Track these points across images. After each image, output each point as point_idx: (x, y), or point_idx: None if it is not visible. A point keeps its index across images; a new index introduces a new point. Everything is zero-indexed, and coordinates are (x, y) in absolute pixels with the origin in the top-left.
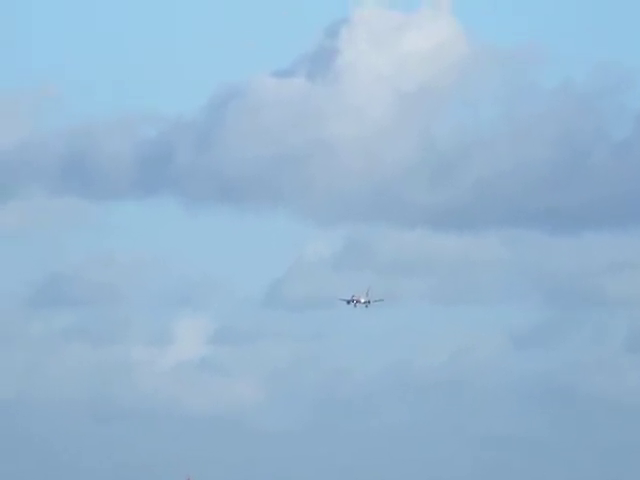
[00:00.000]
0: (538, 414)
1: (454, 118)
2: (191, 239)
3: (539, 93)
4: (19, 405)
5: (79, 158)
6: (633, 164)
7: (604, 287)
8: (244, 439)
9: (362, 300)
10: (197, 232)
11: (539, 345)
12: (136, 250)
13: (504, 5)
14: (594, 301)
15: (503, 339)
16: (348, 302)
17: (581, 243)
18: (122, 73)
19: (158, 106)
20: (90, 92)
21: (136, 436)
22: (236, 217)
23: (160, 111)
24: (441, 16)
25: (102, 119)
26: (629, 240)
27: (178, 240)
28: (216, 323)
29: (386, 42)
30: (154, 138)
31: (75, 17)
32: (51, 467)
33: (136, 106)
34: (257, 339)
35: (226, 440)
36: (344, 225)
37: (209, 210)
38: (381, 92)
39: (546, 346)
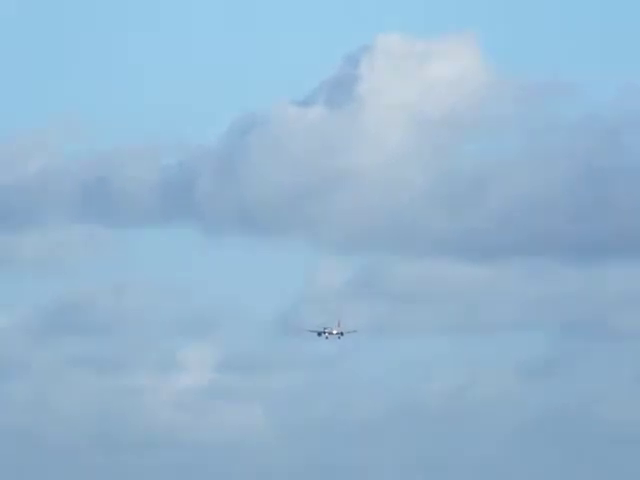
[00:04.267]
0: (548, 447)
1: (476, 148)
2: (207, 267)
3: (562, 124)
4: (27, 432)
5: (101, 186)
6: None
7: (620, 319)
8: (251, 467)
9: (334, 332)
10: (214, 260)
11: (549, 377)
12: (151, 277)
13: (528, 35)
14: (607, 334)
15: (514, 371)
16: (319, 334)
17: (599, 275)
18: (144, 102)
19: (179, 134)
20: (112, 120)
21: (143, 463)
22: (253, 245)
23: (181, 139)
24: (464, 44)
25: (124, 147)
26: None
27: (194, 268)
28: (226, 350)
29: (408, 70)
30: (175, 166)
31: (99, 47)
32: None
33: (157, 134)
34: (267, 367)
35: (233, 468)
36: (360, 254)
37: (227, 238)
38: (402, 121)
39: (556, 379)
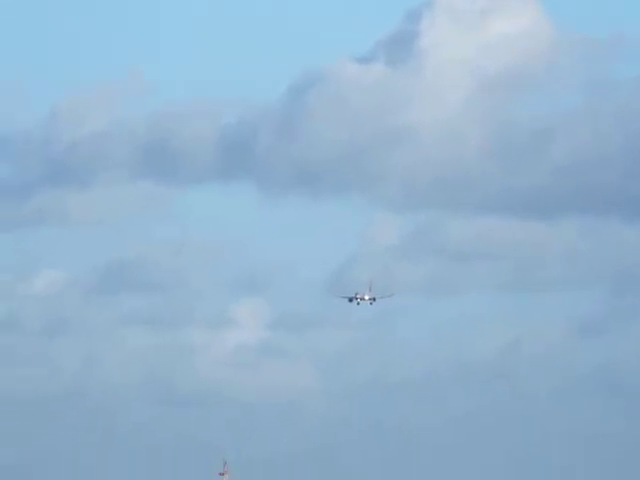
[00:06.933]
0: (599, 403)
1: (535, 104)
2: (264, 225)
3: (622, 80)
4: (80, 387)
5: (161, 144)
6: None
7: None
8: (302, 423)
9: (366, 297)
10: (271, 218)
11: (602, 334)
12: (208, 235)
13: None
14: None
15: (567, 328)
16: (350, 300)
17: None
18: (205, 60)
19: (240, 92)
20: (173, 79)
21: (196, 418)
22: (310, 203)
23: (241, 97)
24: (526, 0)
25: (185, 105)
26: None
27: (251, 225)
28: (279, 308)
29: (469, 26)
30: (235, 124)
31: (160, 6)
32: (112, 447)
33: (218, 92)
34: (319, 324)
35: (283, 424)
36: (418, 211)
37: (285, 196)
38: (462, 77)
39: (609, 335)
